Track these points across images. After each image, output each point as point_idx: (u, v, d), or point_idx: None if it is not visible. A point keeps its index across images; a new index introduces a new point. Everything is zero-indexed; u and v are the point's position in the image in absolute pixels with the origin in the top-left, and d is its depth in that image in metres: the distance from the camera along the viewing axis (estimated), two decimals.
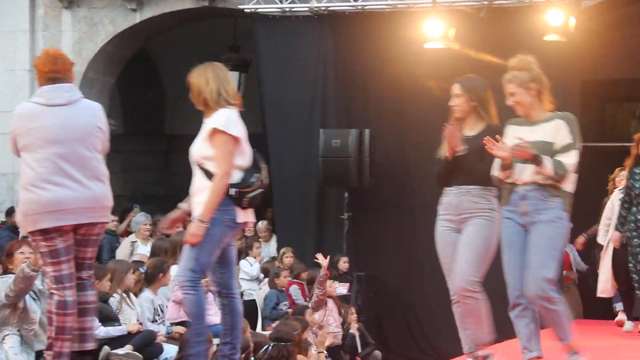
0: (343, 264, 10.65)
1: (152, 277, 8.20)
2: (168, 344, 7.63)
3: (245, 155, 5.21)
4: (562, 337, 5.34)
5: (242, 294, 10.64)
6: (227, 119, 5.14)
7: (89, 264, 5.36)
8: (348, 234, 11.09)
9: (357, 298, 10.80)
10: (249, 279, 10.78)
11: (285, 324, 7.91)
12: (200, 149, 5.19)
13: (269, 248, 11.85)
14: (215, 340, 6.24)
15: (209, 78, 5.21)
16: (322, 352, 8.54)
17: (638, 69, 12.65)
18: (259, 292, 10.36)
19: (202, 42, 13.78)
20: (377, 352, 10.27)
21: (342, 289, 10.18)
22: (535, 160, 5.19)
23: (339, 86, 11.28)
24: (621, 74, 12.94)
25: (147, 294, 8.11)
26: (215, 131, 5.11)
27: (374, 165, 11.03)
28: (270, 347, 7.42)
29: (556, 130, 5.26)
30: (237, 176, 5.14)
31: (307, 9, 11.18)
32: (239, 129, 5.17)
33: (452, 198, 5.49)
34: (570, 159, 5.21)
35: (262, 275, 10.77)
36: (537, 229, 5.25)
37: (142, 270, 8.57)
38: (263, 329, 9.58)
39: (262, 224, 12.03)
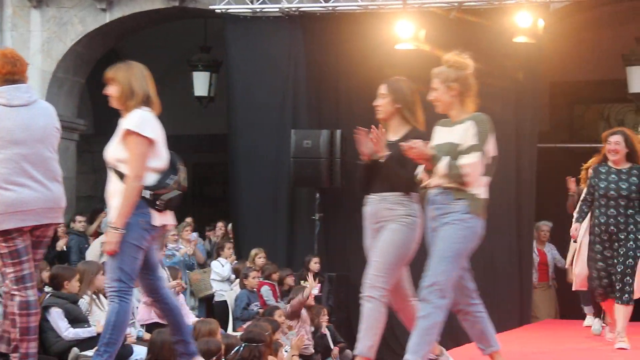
0: (314, 264, 10.66)
1: None
2: (138, 346, 7.61)
3: (161, 158, 5.05)
4: (412, 349, 5.10)
5: (213, 295, 10.67)
6: (141, 120, 5.01)
7: (36, 265, 5.32)
8: (319, 235, 11.09)
9: (329, 298, 10.81)
10: (220, 279, 10.76)
11: (256, 325, 7.90)
12: (114, 151, 5.05)
13: None
14: None
15: (139, 78, 5.09)
16: (295, 355, 8.54)
17: (606, 70, 12.79)
18: (230, 293, 10.35)
19: (173, 42, 13.74)
20: (348, 352, 10.28)
21: (313, 289, 10.18)
22: (433, 161, 5.07)
23: (310, 87, 11.28)
24: (589, 76, 13.07)
25: None
26: (128, 132, 4.99)
27: (345, 165, 11.04)
28: (241, 348, 7.40)
29: (465, 132, 5.10)
30: (151, 178, 4.99)
31: (277, 9, 11.17)
32: (153, 131, 5.02)
33: (371, 206, 5.38)
34: (468, 160, 5.03)
35: (233, 276, 10.76)
36: (438, 232, 5.10)
37: None
38: (234, 329, 9.57)
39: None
